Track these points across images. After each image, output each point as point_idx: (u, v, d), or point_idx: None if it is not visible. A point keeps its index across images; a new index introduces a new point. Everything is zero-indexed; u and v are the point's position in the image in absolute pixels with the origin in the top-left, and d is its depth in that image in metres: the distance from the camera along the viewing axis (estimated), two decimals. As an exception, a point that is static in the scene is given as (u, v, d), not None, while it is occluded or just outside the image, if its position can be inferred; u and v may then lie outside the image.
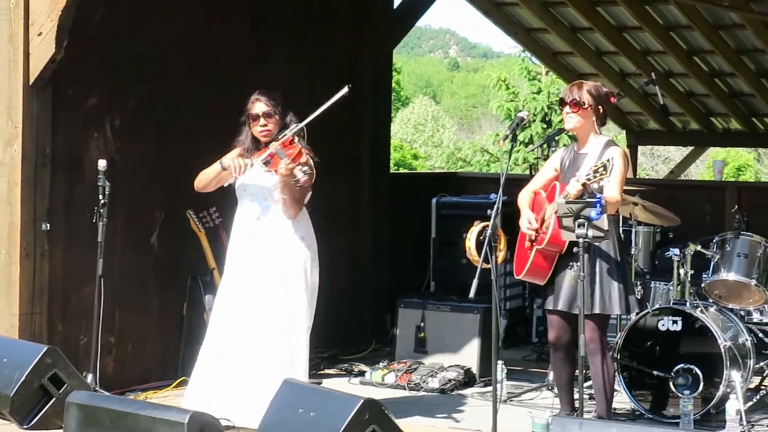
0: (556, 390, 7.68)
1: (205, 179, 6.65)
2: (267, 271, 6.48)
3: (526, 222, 6.39)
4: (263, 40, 8.63)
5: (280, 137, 6.50)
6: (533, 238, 6.35)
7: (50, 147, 7.11)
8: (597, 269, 6.26)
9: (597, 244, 6.12)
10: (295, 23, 8.90)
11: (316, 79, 8.80)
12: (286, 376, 6.11)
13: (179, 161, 7.71)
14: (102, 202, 6.84)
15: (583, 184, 6.06)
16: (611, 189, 6.18)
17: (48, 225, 7.07)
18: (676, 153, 27.07)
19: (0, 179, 7.01)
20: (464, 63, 77.37)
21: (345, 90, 6.41)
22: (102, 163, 6.87)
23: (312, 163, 6.49)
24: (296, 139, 6.48)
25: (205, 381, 6.47)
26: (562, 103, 6.46)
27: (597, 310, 6.25)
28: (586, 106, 6.33)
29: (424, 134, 44.58)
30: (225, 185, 6.68)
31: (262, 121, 6.58)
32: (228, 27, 8.31)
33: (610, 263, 6.29)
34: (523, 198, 6.54)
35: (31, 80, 6.96)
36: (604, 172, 5.94)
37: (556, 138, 7.55)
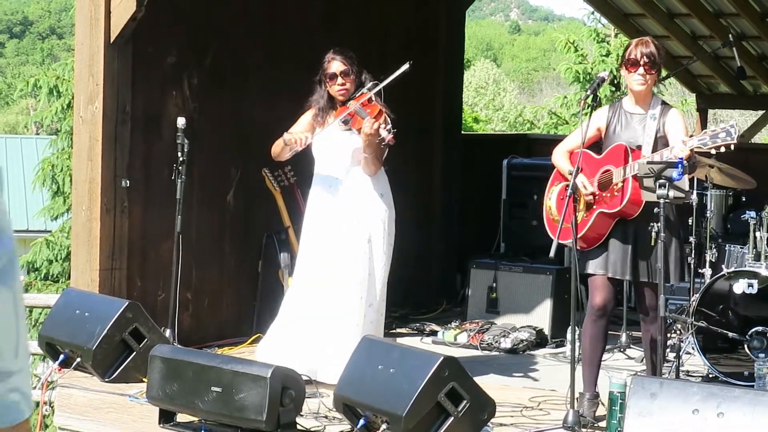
0: (627, 352, 7.71)
1: (277, 150, 6.67)
2: (349, 227, 6.49)
3: (581, 185, 5.90)
4: (336, 2, 8.64)
5: (357, 96, 6.51)
6: (592, 201, 5.98)
7: (130, 104, 7.20)
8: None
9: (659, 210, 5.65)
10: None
11: (389, 43, 8.79)
12: (362, 332, 6.17)
13: (255, 120, 7.77)
14: (181, 159, 6.87)
15: (693, 149, 5.66)
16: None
17: (128, 182, 7.16)
18: (740, 119, 26.69)
19: (81, 136, 7.11)
20: (525, 26, 76.79)
21: (406, 66, 6.36)
22: (181, 121, 6.92)
23: (390, 121, 6.50)
24: (374, 97, 6.47)
25: (285, 336, 6.51)
26: (634, 64, 5.93)
27: (670, 279, 6.00)
28: (659, 65, 5.96)
29: (485, 97, 44.40)
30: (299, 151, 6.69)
31: (339, 80, 6.54)
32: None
33: (672, 230, 5.95)
34: (563, 157, 6.12)
35: (112, 38, 7.04)
36: (728, 138, 5.59)
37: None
